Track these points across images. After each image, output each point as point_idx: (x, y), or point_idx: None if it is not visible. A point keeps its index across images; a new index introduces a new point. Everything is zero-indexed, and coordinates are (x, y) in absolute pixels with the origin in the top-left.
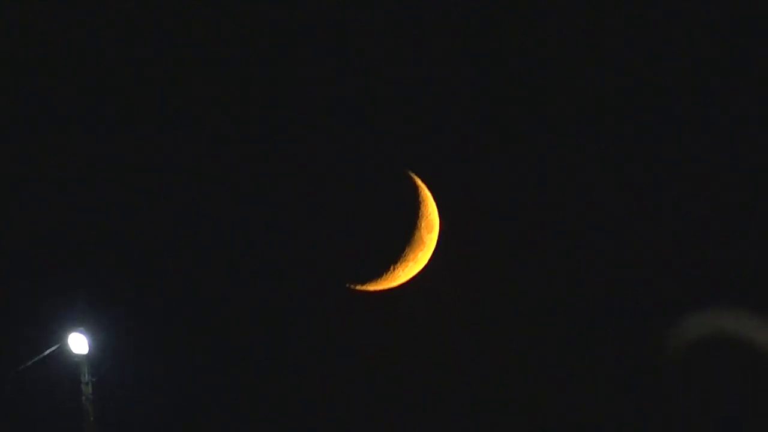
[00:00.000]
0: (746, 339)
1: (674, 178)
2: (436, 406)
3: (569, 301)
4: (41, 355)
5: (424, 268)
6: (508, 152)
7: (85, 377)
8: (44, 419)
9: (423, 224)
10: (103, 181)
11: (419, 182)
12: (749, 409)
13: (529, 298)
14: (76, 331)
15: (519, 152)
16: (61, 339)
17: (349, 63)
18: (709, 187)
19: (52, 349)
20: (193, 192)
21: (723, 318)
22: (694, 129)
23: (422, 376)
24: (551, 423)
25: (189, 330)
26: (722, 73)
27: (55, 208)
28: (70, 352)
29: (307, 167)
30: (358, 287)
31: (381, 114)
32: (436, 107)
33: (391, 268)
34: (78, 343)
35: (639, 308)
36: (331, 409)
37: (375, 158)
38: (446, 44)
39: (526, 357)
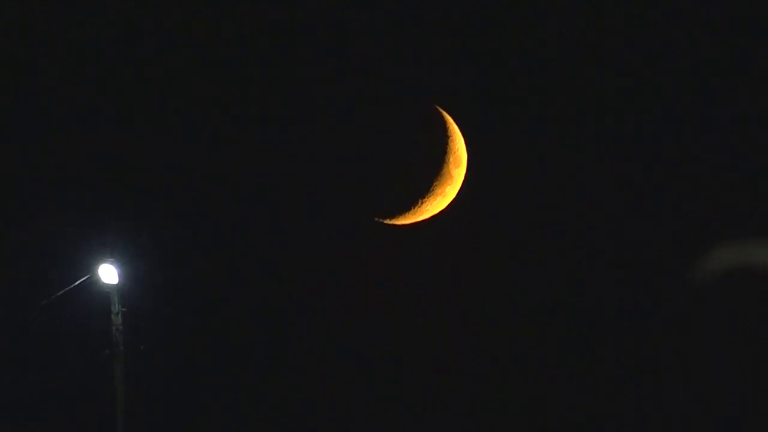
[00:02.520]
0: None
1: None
2: (458, 339)
3: (589, 236)
4: (72, 285)
5: (451, 202)
6: (536, 90)
7: (115, 307)
8: (75, 348)
9: (451, 159)
10: (140, 114)
11: (448, 117)
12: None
13: (553, 236)
14: (106, 262)
15: (547, 89)
16: (91, 270)
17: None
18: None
19: (83, 279)
20: (227, 128)
21: (747, 250)
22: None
23: (446, 311)
24: (570, 358)
25: (218, 262)
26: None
27: (89, 141)
28: (100, 283)
29: (337, 103)
30: (387, 221)
31: (410, 49)
32: (465, 42)
33: (419, 202)
34: (108, 273)
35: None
36: (362, 340)
37: (404, 93)
38: None
39: (548, 290)
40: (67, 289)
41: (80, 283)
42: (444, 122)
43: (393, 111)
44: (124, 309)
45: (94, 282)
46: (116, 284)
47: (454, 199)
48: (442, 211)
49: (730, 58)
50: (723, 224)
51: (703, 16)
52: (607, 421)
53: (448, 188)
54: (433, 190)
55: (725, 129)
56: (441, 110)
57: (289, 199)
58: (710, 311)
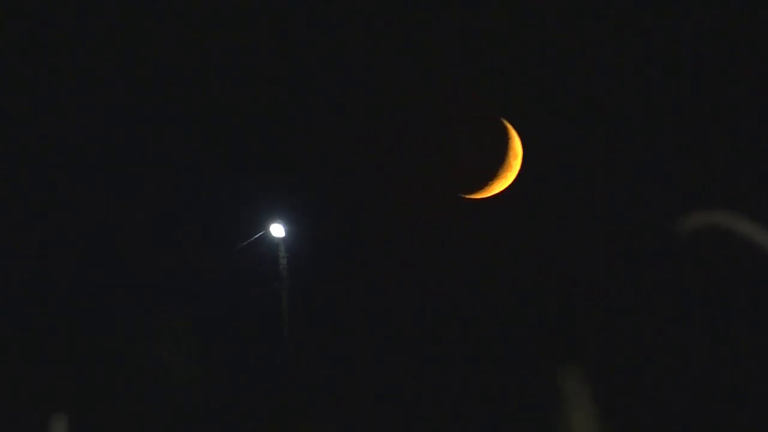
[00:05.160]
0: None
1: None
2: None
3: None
4: (253, 237)
5: (510, 183)
6: (573, 102)
7: (282, 253)
8: (254, 281)
9: (511, 154)
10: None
11: (509, 126)
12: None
13: (585, 211)
14: (276, 221)
15: (584, 107)
16: (265, 227)
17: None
18: None
19: (260, 234)
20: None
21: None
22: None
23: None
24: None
25: (348, 224)
26: None
27: (263, 127)
28: (271, 236)
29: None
30: (467, 196)
31: (486, 76)
32: (522, 65)
33: (489, 183)
34: (277, 230)
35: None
36: (453, 296)
37: (478, 109)
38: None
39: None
40: (251, 239)
41: (259, 236)
42: (506, 130)
43: (470, 123)
44: (287, 255)
45: (267, 236)
46: (283, 237)
47: (512, 181)
48: (503, 190)
49: None
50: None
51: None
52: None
53: (508, 174)
54: (498, 175)
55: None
56: (505, 121)
57: (396, 183)
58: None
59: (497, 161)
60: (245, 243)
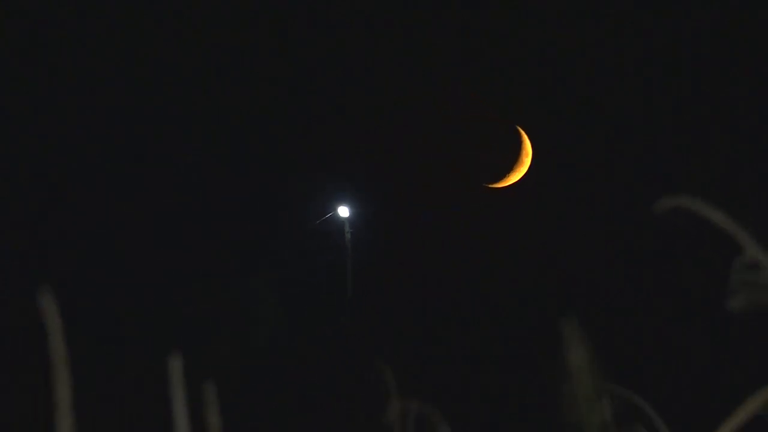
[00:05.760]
0: None
1: None
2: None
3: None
4: (324, 217)
5: (522, 176)
6: (578, 104)
7: (347, 229)
8: (323, 250)
9: (523, 152)
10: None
11: (521, 130)
12: None
13: (588, 204)
14: (342, 204)
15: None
16: (334, 208)
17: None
18: None
19: (329, 214)
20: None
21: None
22: None
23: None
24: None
25: (399, 204)
26: None
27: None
28: (338, 216)
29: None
30: (488, 185)
31: (502, 89)
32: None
33: (506, 175)
34: (343, 211)
35: None
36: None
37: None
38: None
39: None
40: (324, 218)
41: (329, 216)
42: (519, 133)
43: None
44: (351, 231)
45: (336, 215)
46: (347, 217)
47: (524, 174)
48: (517, 181)
49: None
50: None
51: None
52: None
53: (521, 168)
54: (513, 169)
55: None
56: (518, 127)
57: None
58: None
59: (513, 158)
60: (320, 221)
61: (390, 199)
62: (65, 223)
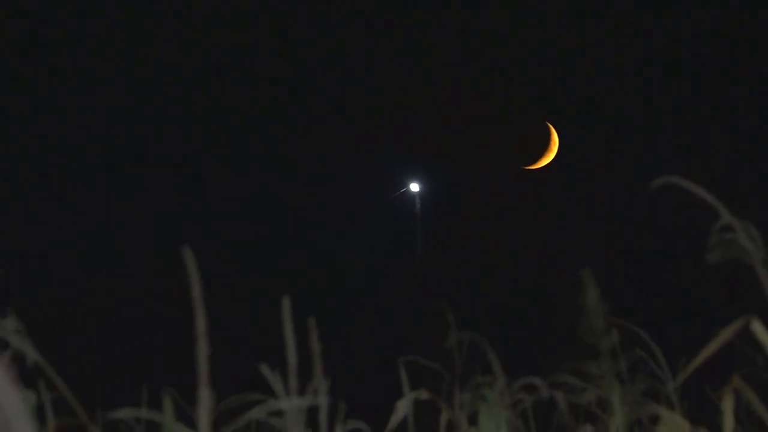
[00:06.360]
0: None
1: None
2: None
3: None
4: (399, 192)
5: (551, 160)
6: (600, 99)
7: (417, 203)
8: (395, 221)
9: (551, 141)
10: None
11: (549, 125)
12: None
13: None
14: (414, 181)
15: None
16: (407, 185)
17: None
18: None
19: (403, 189)
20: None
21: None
22: None
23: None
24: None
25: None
26: None
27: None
28: (410, 191)
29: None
30: (525, 167)
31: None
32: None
33: (538, 159)
34: (414, 186)
35: None
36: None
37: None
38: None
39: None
40: (397, 193)
41: (403, 191)
42: (548, 127)
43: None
44: (419, 202)
45: (408, 190)
46: (418, 191)
47: (552, 159)
48: (547, 164)
49: None
50: None
51: None
52: None
53: (550, 154)
54: (544, 154)
55: None
56: (547, 122)
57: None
58: None
59: (543, 146)
60: (396, 194)
61: (449, 178)
62: (65, 223)
